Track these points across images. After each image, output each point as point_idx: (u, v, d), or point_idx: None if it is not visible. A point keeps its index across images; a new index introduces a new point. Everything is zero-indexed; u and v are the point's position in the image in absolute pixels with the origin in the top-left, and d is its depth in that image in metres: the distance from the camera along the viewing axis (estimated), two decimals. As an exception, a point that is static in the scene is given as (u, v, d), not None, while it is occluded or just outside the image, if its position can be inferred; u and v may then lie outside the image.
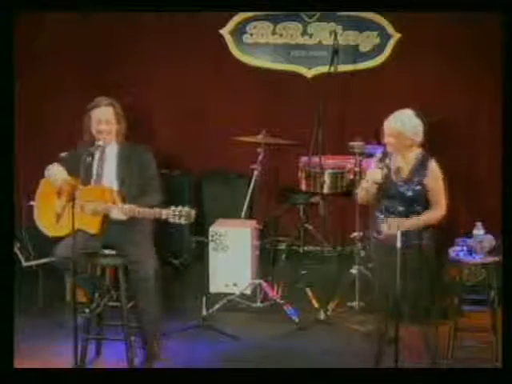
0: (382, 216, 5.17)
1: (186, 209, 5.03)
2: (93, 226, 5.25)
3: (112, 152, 5.44)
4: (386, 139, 5.14)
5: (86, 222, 5.22)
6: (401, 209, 5.13)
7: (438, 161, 5.22)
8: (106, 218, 5.26)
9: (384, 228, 5.11)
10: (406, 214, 5.10)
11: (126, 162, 5.40)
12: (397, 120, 5.13)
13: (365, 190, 5.16)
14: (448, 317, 5.49)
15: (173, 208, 5.03)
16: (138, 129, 5.79)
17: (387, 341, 5.16)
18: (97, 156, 5.40)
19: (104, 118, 5.39)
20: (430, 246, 5.19)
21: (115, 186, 5.36)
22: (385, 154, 5.19)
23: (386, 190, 5.14)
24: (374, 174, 5.11)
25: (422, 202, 5.13)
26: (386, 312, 5.10)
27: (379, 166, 5.13)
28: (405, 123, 5.11)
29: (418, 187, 5.11)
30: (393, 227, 5.02)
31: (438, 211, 5.13)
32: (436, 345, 5.29)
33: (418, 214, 5.10)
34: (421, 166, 5.15)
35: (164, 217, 5.05)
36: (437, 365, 5.25)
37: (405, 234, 4.96)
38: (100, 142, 5.26)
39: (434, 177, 5.14)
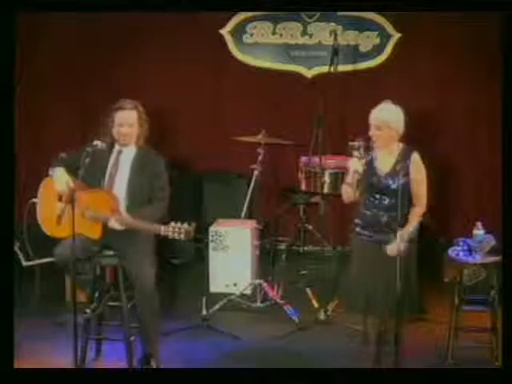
0: (369, 212, 5.15)
1: (185, 226, 5.05)
2: (94, 232, 5.24)
3: (129, 156, 5.42)
4: (373, 132, 5.12)
5: (87, 227, 5.21)
6: (386, 203, 5.11)
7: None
8: (106, 225, 5.26)
9: (388, 251, 5.08)
10: (392, 208, 5.06)
11: (139, 168, 5.38)
12: (385, 112, 5.12)
13: (347, 184, 5.15)
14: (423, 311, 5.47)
15: (172, 225, 5.06)
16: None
17: (385, 341, 5.16)
18: (112, 158, 5.39)
19: (127, 121, 5.36)
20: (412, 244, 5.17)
21: (125, 191, 5.36)
22: (366, 148, 5.17)
23: (370, 184, 5.13)
24: (353, 163, 5.12)
25: (406, 194, 5.10)
26: (384, 311, 5.07)
27: (358, 155, 5.12)
28: (392, 115, 5.11)
29: (402, 180, 5.06)
30: (393, 250, 4.99)
31: (418, 208, 5.11)
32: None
33: (404, 207, 5.04)
34: (404, 159, 5.12)
35: (163, 233, 5.07)
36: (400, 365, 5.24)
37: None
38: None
39: (417, 169, 5.12)
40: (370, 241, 5.15)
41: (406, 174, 5.10)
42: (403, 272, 4.89)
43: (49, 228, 5.37)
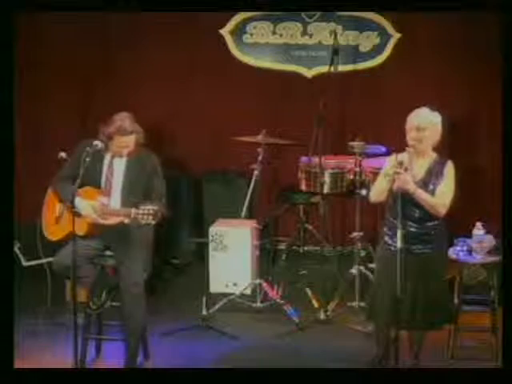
0: (398, 222, 4.88)
1: (151, 207, 5.00)
2: (81, 228, 5.26)
3: (122, 158, 5.43)
4: (415, 134, 4.97)
5: (78, 225, 5.23)
6: (417, 215, 5.01)
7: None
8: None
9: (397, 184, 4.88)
10: (422, 219, 5.00)
11: (134, 168, 5.39)
12: (429, 114, 5.04)
13: (384, 180, 4.95)
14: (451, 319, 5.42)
15: (142, 207, 5.02)
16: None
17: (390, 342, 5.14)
18: (107, 160, 5.40)
19: (126, 144, 5.35)
20: (439, 251, 5.12)
21: (120, 190, 5.37)
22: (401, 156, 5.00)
23: (401, 194, 4.91)
24: (401, 155, 4.95)
25: None
26: (395, 316, 4.94)
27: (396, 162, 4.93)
28: (436, 117, 5.05)
29: (433, 188, 5.00)
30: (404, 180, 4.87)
31: (441, 206, 4.99)
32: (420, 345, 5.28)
33: (433, 219, 5.02)
34: (438, 167, 5.04)
35: (133, 216, 5.06)
36: (418, 365, 5.23)
37: (414, 239, 4.98)
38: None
39: (451, 177, 5.05)
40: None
41: (438, 183, 5.02)
42: (433, 281, 4.93)
43: (48, 231, 5.46)
